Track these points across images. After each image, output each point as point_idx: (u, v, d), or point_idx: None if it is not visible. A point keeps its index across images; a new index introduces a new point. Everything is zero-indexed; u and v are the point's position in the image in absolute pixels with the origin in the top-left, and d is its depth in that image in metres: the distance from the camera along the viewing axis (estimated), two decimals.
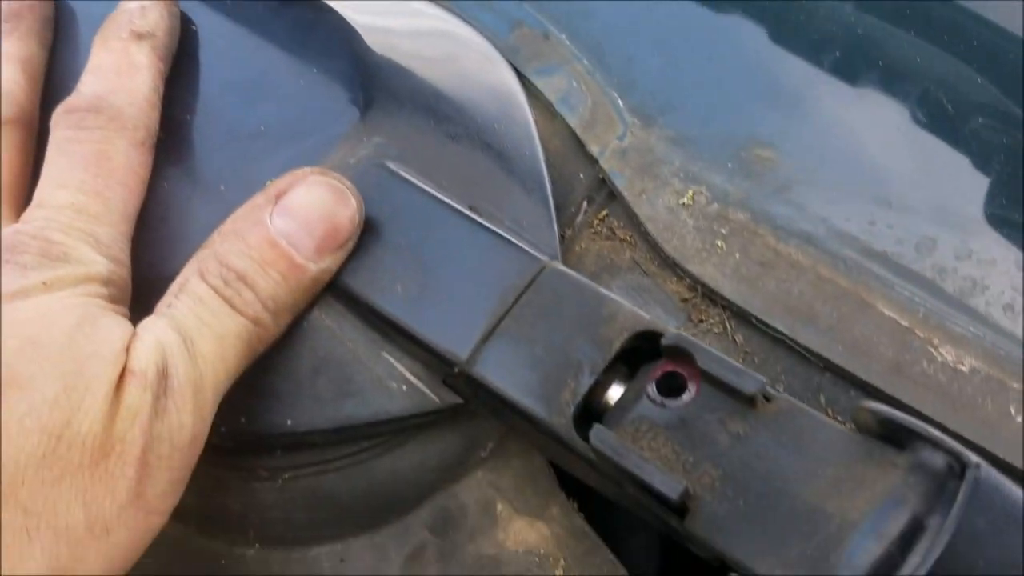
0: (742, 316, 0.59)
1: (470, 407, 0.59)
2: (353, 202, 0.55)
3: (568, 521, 0.62)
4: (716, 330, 0.60)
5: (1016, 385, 0.51)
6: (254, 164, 0.62)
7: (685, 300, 0.61)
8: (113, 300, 0.51)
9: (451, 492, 0.63)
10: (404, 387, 0.58)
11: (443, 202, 0.57)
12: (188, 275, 0.52)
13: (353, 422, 0.58)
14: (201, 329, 0.49)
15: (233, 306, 0.49)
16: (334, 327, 0.58)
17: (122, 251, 0.54)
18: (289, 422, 0.58)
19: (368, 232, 0.57)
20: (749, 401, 0.48)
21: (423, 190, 0.58)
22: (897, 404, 0.53)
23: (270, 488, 0.63)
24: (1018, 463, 0.50)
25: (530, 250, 0.55)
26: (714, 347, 0.60)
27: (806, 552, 0.43)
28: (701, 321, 0.61)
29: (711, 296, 0.60)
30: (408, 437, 0.62)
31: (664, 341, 0.50)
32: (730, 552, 0.45)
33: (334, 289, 0.58)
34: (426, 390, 0.58)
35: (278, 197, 0.54)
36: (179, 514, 0.66)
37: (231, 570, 0.65)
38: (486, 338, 0.53)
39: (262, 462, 0.62)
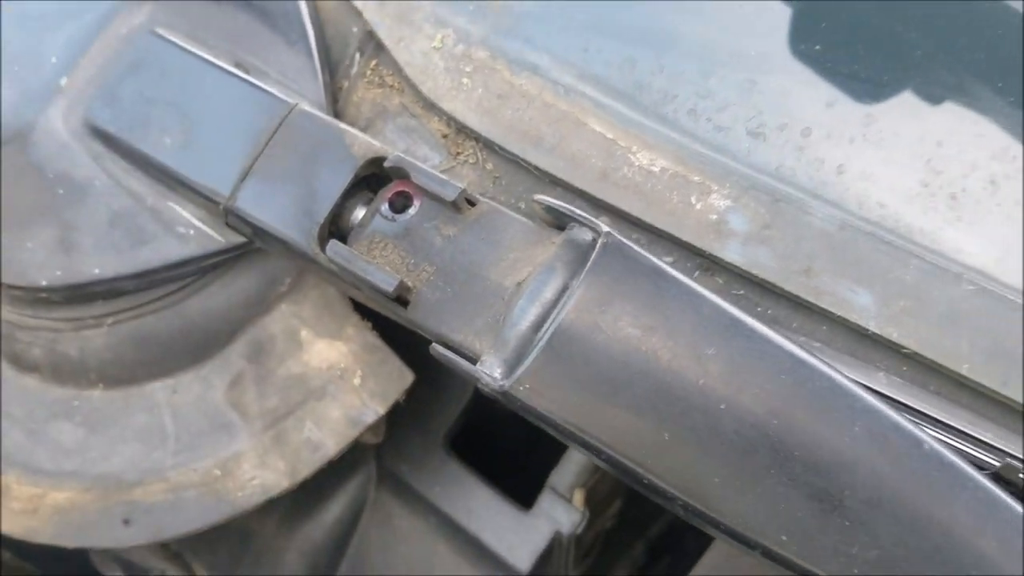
0: (489, 145, 0.67)
1: (254, 246, 0.67)
2: None
3: (362, 338, 0.71)
4: (471, 160, 0.68)
5: (696, 178, 0.60)
6: (42, 43, 0.68)
7: (445, 136, 0.69)
8: None
9: (260, 325, 0.72)
10: (192, 231, 0.66)
11: (207, 61, 0.64)
12: None
13: (152, 266, 0.66)
14: None
15: None
16: (122, 182, 0.66)
17: None
18: (96, 271, 0.66)
19: (141, 94, 0.64)
20: (456, 207, 0.56)
21: (188, 51, 0.64)
22: (606, 205, 0.62)
23: (99, 334, 0.71)
24: (697, 243, 0.59)
25: (282, 96, 0.62)
26: (469, 176, 0.69)
27: (488, 320, 0.53)
28: (459, 154, 0.68)
29: (464, 130, 0.67)
30: (211, 279, 0.70)
31: (386, 163, 0.58)
32: (438, 330, 0.54)
33: (116, 146, 0.65)
34: (212, 232, 0.66)
35: None
36: (32, 367, 0.75)
37: (83, 410, 0.74)
38: (244, 176, 0.60)
39: (87, 311, 0.71)
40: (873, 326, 0.56)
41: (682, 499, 0.48)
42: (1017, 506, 0.47)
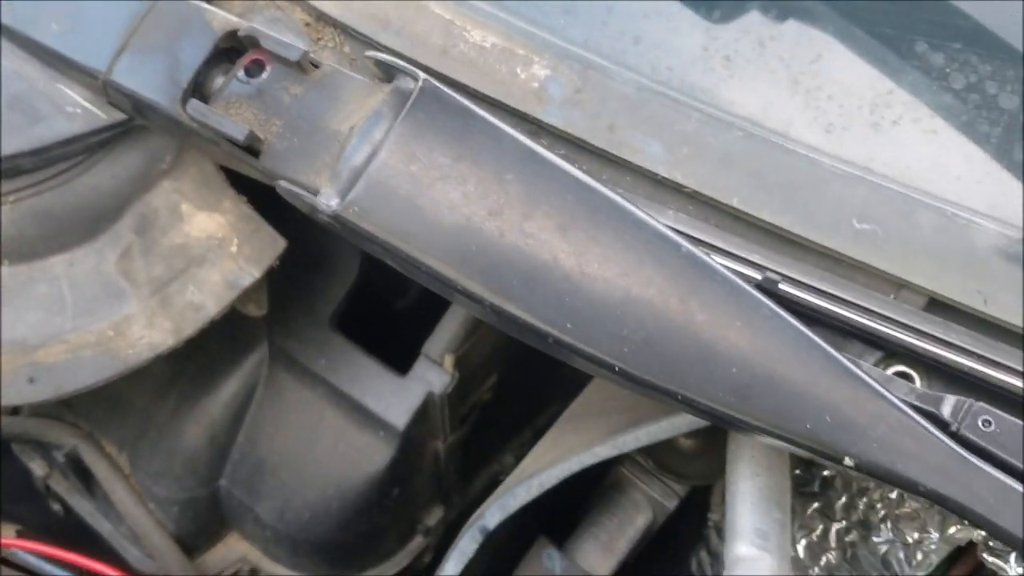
0: (345, 30, 0.75)
1: (134, 122, 0.75)
2: None
3: (238, 210, 0.80)
4: (331, 45, 0.76)
5: (521, 52, 0.69)
6: None
7: (307, 24, 0.77)
8: None
9: (145, 200, 0.80)
10: (79, 110, 0.74)
11: None
12: None
13: (45, 143, 0.74)
14: None
15: None
16: (18, 70, 0.74)
17: None
18: None
19: None
20: (301, 68, 0.65)
21: None
22: (445, 79, 0.70)
23: (2, 212, 0.78)
24: (523, 108, 0.68)
25: None
26: (329, 59, 0.77)
27: (327, 160, 0.62)
28: (320, 39, 0.77)
29: (323, 17, 0.76)
30: (98, 157, 0.77)
31: (240, 32, 0.66)
32: (285, 173, 0.63)
33: (13, 37, 0.72)
34: (96, 111, 0.74)
35: None
36: None
37: None
38: (119, 53, 0.68)
39: None
40: (662, 171, 0.66)
41: (488, 300, 0.58)
42: (760, 296, 0.58)
